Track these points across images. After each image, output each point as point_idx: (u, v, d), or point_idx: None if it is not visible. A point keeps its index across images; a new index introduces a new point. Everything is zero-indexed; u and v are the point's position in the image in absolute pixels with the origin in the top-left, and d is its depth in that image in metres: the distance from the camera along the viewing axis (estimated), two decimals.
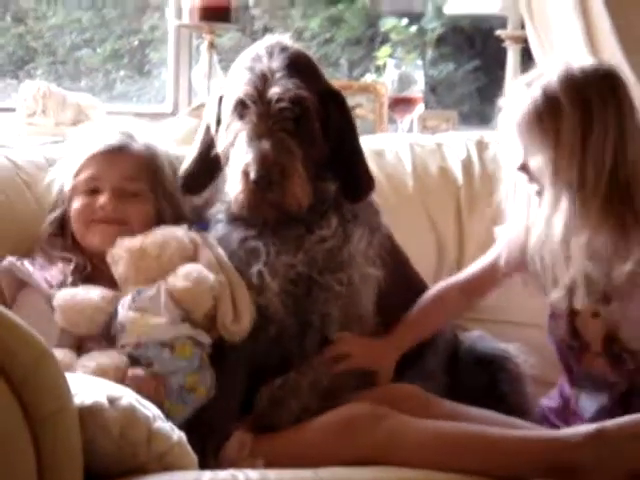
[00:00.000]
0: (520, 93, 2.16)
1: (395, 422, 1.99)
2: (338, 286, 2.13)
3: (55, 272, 2.20)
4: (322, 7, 4.36)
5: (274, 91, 2.05)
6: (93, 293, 2.08)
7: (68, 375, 1.70)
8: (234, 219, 2.17)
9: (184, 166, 2.24)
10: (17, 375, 1.60)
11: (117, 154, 2.25)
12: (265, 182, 2.02)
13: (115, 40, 4.07)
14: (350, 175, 2.17)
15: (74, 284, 2.16)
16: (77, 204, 2.24)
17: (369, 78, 3.83)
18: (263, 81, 2.06)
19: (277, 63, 2.08)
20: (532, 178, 2.17)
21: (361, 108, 3.41)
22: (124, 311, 2.05)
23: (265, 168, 2.01)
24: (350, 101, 3.35)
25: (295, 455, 1.98)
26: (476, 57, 4.38)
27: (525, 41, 3.46)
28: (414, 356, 2.31)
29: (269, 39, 2.15)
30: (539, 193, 2.17)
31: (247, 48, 2.18)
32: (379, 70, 3.80)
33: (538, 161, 2.14)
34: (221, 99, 2.16)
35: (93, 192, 2.24)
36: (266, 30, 4.20)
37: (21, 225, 2.35)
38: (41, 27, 3.98)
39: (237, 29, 3.54)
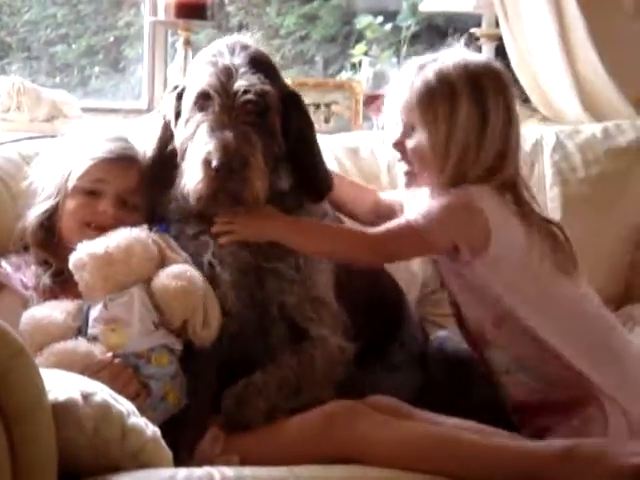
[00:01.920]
0: (412, 74, 2.21)
1: (374, 420, 2.01)
2: (290, 271, 2.15)
3: (29, 274, 2.19)
4: (297, 4, 4.36)
5: (240, 84, 2.06)
6: (57, 312, 2.06)
7: (42, 371, 1.70)
8: (187, 216, 2.18)
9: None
10: None
11: (129, 164, 2.24)
12: (226, 170, 2.02)
13: (90, 36, 4.05)
14: (310, 175, 2.20)
15: (50, 290, 2.16)
16: (75, 203, 2.22)
17: (344, 76, 3.83)
18: (227, 75, 2.08)
19: (240, 59, 2.10)
20: (404, 157, 2.22)
21: (336, 105, 3.42)
22: (95, 323, 2.04)
23: (227, 156, 2.01)
24: (325, 98, 3.40)
25: (270, 452, 1.99)
26: None
27: (500, 39, 3.48)
28: (379, 349, 2.32)
29: (229, 38, 2.18)
30: (407, 173, 2.23)
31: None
32: (354, 68, 3.80)
33: (417, 141, 2.18)
34: (180, 94, 2.17)
35: (93, 194, 2.22)
36: (241, 27, 4.20)
37: None
38: (15, 22, 3.95)
39: (213, 26, 3.53)
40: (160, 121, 2.22)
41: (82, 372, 1.91)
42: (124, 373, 1.99)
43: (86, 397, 1.71)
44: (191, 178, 2.06)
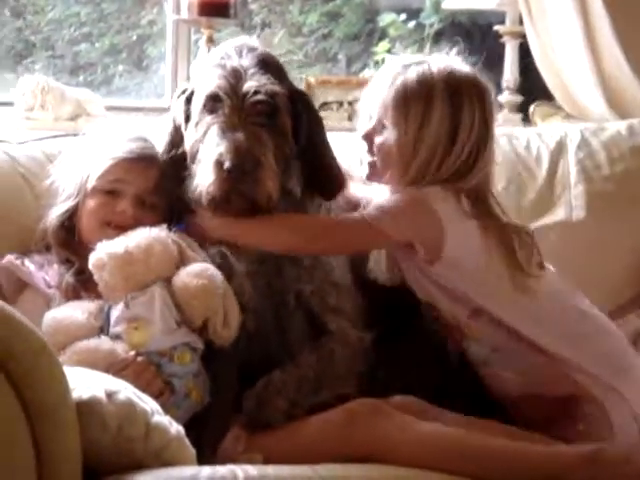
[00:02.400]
0: (395, 72, 2.19)
1: (396, 421, 2.01)
2: (307, 257, 2.15)
3: (52, 273, 2.20)
4: (320, 2, 4.36)
5: (250, 85, 2.06)
6: (79, 312, 2.06)
7: (66, 369, 1.70)
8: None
9: None
10: (17, 370, 1.60)
11: (149, 164, 2.23)
12: (238, 172, 2.02)
13: (114, 35, 4.06)
14: (321, 174, 2.20)
15: (73, 288, 2.17)
16: (94, 202, 2.22)
17: (367, 73, 3.83)
18: (236, 76, 2.08)
19: (248, 61, 2.10)
20: (371, 150, 2.21)
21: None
22: (118, 322, 2.04)
23: (239, 158, 2.01)
24: (348, 96, 3.40)
25: (292, 450, 1.99)
26: (474, 52, 4.37)
27: (523, 37, 3.47)
28: (397, 338, 2.32)
29: (236, 40, 2.18)
30: (370, 165, 2.22)
31: None
32: (377, 65, 3.80)
33: (385, 138, 2.17)
34: (189, 98, 2.17)
35: (112, 194, 2.22)
36: (264, 25, 4.21)
37: (18, 220, 2.35)
38: (40, 21, 3.97)
39: (235, 24, 3.54)
40: (170, 125, 2.21)
41: (106, 370, 1.91)
42: (147, 371, 1.99)
43: (110, 395, 1.71)
44: (203, 180, 2.06)
